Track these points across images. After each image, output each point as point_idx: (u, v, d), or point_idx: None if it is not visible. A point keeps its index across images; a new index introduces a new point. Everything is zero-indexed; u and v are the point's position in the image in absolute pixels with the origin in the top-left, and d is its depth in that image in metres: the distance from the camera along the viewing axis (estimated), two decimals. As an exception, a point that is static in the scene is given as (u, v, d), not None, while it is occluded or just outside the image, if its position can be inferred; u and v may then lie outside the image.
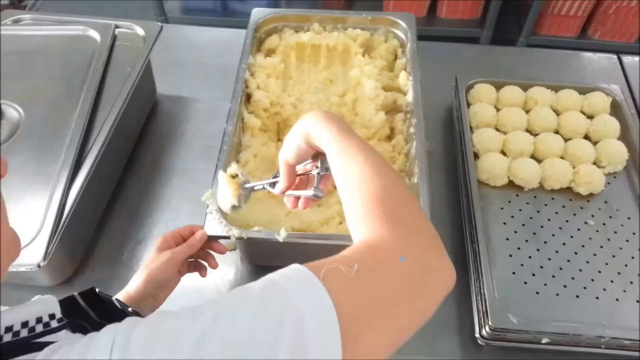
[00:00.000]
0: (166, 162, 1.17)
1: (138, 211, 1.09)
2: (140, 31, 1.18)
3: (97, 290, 0.66)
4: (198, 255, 0.87)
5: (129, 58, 1.13)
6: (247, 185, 0.81)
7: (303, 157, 0.70)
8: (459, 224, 1.05)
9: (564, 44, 2.44)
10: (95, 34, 1.17)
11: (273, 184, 0.78)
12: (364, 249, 0.51)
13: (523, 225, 1.00)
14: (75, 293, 0.64)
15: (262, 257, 0.99)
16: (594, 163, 1.08)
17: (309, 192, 0.72)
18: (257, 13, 1.19)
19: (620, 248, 0.97)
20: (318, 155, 0.71)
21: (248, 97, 1.09)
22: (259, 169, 1.04)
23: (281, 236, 0.84)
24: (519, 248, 0.96)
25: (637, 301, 0.91)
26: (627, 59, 1.39)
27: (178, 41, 1.45)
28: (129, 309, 0.71)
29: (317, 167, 0.72)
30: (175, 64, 1.38)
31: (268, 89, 1.10)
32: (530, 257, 0.95)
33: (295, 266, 0.47)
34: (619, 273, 0.94)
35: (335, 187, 1.07)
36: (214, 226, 0.85)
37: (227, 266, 1.01)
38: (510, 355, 0.90)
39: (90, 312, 0.63)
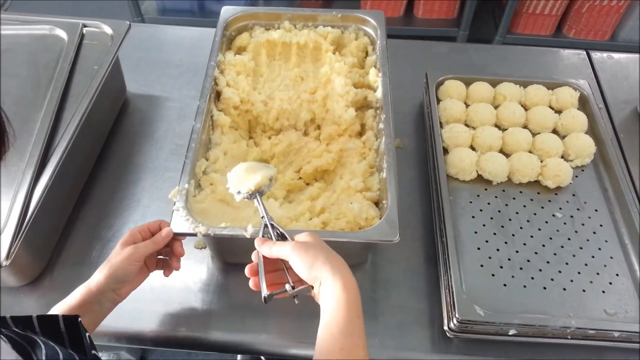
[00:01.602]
0: (136, 160, 1.16)
1: (107, 210, 1.08)
2: (108, 30, 1.16)
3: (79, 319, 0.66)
4: (164, 253, 0.86)
5: (96, 57, 1.12)
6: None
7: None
8: (430, 218, 1.06)
9: (540, 42, 2.48)
10: (62, 33, 1.15)
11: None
12: None
13: (491, 218, 1.00)
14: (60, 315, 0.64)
15: (232, 255, 0.98)
16: (562, 157, 1.09)
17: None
18: (227, 11, 1.19)
19: (588, 240, 0.98)
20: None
21: (218, 95, 1.09)
22: (229, 166, 1.03)
23: (248, 232, 0.83)
24: (487, 241, 0.97)
25: (603, 292, 0.92)
26: (596, 55, 1.41)
27: (150, 40, 1.44)
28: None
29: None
30: (146, 62, 1.37)
31: (238, 87, 1.10)
32: (498, 249, 0.96)
33: None
34: (585, 264, 0.95)
35: (306, 184, 1.07)
36: (180, 223, 0.84)
37: (197, 265, 1.00)
38: (480, 347, 0.90)
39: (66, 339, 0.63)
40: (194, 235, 0.84)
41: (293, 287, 0.73)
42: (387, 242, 0.85)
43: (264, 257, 0.76)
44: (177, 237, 0.86)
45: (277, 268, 0.77)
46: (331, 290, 0.68)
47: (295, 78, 1.17)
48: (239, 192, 0.83)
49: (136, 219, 1.06)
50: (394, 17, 2.59)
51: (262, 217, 0.80)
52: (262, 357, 1.49)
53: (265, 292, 0.73)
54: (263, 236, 0.78)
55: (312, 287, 0.72)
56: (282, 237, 0.78)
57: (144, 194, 1.10)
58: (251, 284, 0.77)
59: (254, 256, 0.78)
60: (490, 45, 1.48)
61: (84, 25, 1.18)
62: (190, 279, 0.98)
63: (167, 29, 1.52)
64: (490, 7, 2.63)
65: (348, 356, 0.63)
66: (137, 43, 1.40)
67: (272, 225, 0.79)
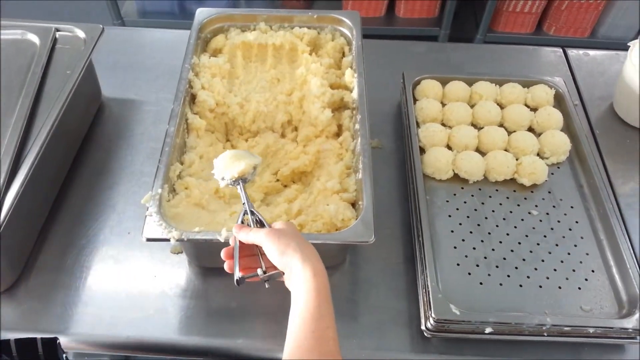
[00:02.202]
0: (112, 165, 1.14)
1: (83, 216, 1.06)
2: (81, 34, 1.15)
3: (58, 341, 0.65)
4: None
5: (69, 61, 1.10)
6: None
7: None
8: (408, 218, 1.06)
9: (520, 40, 2.50)
10: (34, 38, 1.14)
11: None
12: None
13: (468, 217, 1.01)
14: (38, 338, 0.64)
15: (209, 259, 0.97)
16: (538, 154, 1.09)
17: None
18: (201, 13, 1.18)
19: (563, 237, 0.99)
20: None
21: (193, 98, 1.08)
22: (205, 170, 1.03)
23: (222, 236, 0.83)
24: (463, 240, 0.97)
25: (579, 288, 0.92)
26: (572, 52, 1.42)
27: (126, 43, 1.43)
28: None
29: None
30: (122, 66, 1.36)
31: (213, 89, 1.09)
32: (474, 248, 0.96)
33: None
34: (561, 261, 0.95)
35: (284, 186, 1.06)
36: (153, 229, 0.83)
37: (174, 270, 0.99)
38: (457, 346, 0.90)
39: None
40: (167, 240, 0.83)
41: (265, 272, 0.76)
42: (363, 243, 0.85)
43: (240, 242, 0.78)
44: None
45: (253, 253, 0.79)
46: (301, 277, 0.69)
47: (271, 80, 1.17)
48: (223, 178, 0.86)
49: (112, 224, 1.05)
50: (375, 17, 2.59)
51: (243, 204, 0.82)
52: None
53: (237, 274, 0.75)
54: (242, 222, 0.80)
55: (283, 273, 0.74)
56: (260, 224, 0.80)
57: (119, 199, 1.09)
58: (226, 266, 0.79)
59: (231, 240, 0.80)
60: (468, 44, 1.48)
61: (57, 30, 1.16)
62: (167, 285, 0.97)
63: (143, 32, 1.51)
64: (471, 6, 2.64)
65: (320, 339, 0.65)
66: (113, 46, 1.39)
67: (252, 212, 0.81)
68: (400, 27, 2.58)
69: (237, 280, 0.75)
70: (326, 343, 0.65)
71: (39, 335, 0.90)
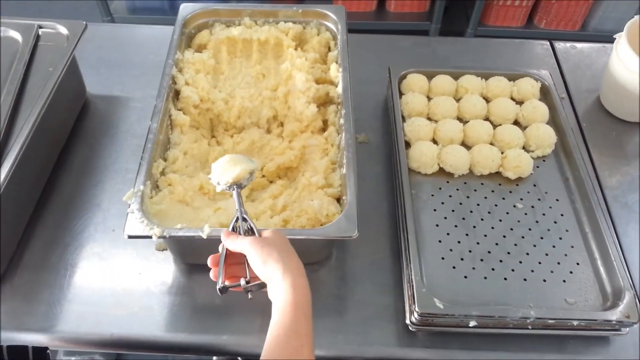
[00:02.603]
0: (97, 162, 1.14)
1: (67, 214, 1.06)
2: (64, 30, 1.14)
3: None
4: None
5: (52, 58, 1.09)
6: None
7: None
8: (394, 212, 1.05)
9: (511, 34, 2.50)
10: (17, 35, 1.13)
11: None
12: None
13: (453, 211, 1.00)
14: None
15: (193, 256, 0.97)
16: (524, 147, 1.09)
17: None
18: (185, 8, 1.18)
19: (548, 230, 0.99)
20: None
21: (177, 94, 1.07)
22: (190, 166, 1.03)
23: (205, 233, 0.82)
24: (448, 234, 0.97)
25: (564, 281, 0.92)
26: (559, 45, 1.41)
27: (112, 40, 1.41)
28: None
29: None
30: (108, 63, 1.35)
31: (197, 85, 1.08)
32: (459, 242, 0.96)
33: None
34: (546, 254, 0.95)
35: (270, 182, 1.06)
36: (134, 226, 0.83)
37: (159, 267, 0.99)
38: (443, 340, 0.90)
39: None
40: (149, 237, 0.82)
41: (247, 282, 0.75)
42: (346, 238, 0.85)
43: (228, 250, 0.77)
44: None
45: (240, 262, 0.78)
46: (280, 290, 0.68)
47: (256, 75, 1.16)
48: (218, 183, 0.84)
49: (97, 222, 1.04)
50: (366, 11, 2.58)
51: (236, 210, 0.81)
52: (239, 358, 1.49)
53: (220, 283, 0.75)
54: (234, 229, 0.79)
55: (266, 285, 0.72)
56: (251, 232, 0.79)
57: (104, 197, 1.08)
58: (211, 274, 0.79)
59: (220, 247, 0.79)
60: (455, 38, 1.48)
61: (40, 27, 1.15)
62: (152, 282, 0.97)
63: (129, 28, 1.50)
64: (462, 0, 2.63)
65: (292, 356, 0.63)
66: (98, 43, 1.38)
67: (244, 218, 0.80)
68: (391, 22, 2.57)
69: (219, 289, 0.74)
70: None
71: (24, 335, 0.90)
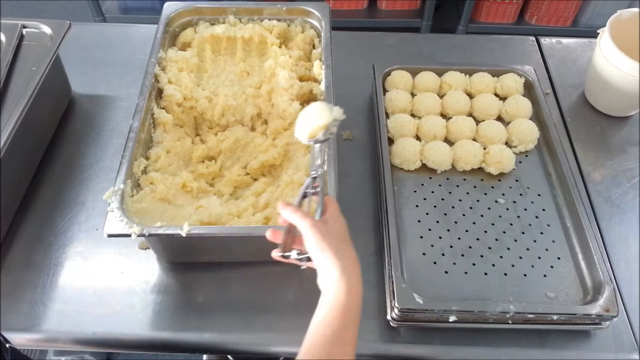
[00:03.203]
0: (81, 162, 1.14)
1: (52, 213, 1.06)
2: (47, 30, 1.14)
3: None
4: None
5: (36, 58, 1.10)
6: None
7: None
8: (379, 209, 1.05)
9: (502, 30, 2.50)
10: (0, 35, 1.13)
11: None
12: None
13: (435, 206, 1.01)
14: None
15: (175, 254, 0.97)
16: (506, 143, 1.09)
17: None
18: (169, 7, 1.18)
19: (530, 224, 0.99)
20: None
21: (160, 93, 1.08)
22: (173, 164, 1.03)
23: (184, 231, 0.82)
24: (429, 229, 0.97)
25: (544, 275, 0.93)
26: (545, 41, 1.42)
27: (98, 39, 1.41)
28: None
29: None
30: (94, 62, 1.35)
31: (180, 83, 1.08)
32: (440, 237, 0.96)
33: None
34: (527, 249, 0.96)
35: (255, 180, 1.06)
36: (114, 224, 0.83)
37: (142, 265, 0.99)
38: (424, 335, 0.91)
39: None
40: (129, 236, 0.82)
41: (299, 255, 0.75)
42: (326, 235, 0.85)
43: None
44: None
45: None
46: (333, 288, 0.66)
47: (240, 73, 1.16)
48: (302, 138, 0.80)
49: (80, 221, 1.05)
50: (358, 9, 2.58)
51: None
52: (230, 357, 1.49)
53: (277, 252, 0.75)
54: (307, 187, 0.78)
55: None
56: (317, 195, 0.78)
57: (88, 196, 1.08)
58: (268, 233, 0.77)
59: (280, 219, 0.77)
60: (441, 34, 1.47)
61: (24, 26, 1.15)
62: (134, 280, 0.97)
63: (115, 28, 1.50)
64: (453, -3, 2.64)
65: None
66: (84, 42, 1.38)
67: (314, 178, 0.78)
68: (382, 20, 2.57)
69: (279, 255, 0.75)
70: None
71: (6, 334, 0.90)
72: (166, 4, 1.18)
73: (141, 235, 0.83)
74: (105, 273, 0.98)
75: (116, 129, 1.20)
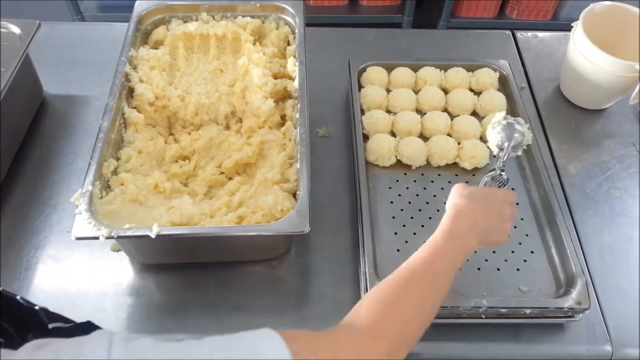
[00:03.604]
0: (54, 163, 1.12)
1: (23, 215, 1.04)
2: (16, 30, 1.12)
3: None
4: None
5: (5, 58, 1.08)
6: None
7: None
8: (354, 206, 1.05)
9: (483, 25, 2.50)
10: (-33, 35, 1.11)
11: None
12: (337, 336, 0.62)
13: (409, 202, 1.00)
14: None
15: (147, 256, 0.96)
16: (481, 138, 1.09)
17: None
18: (140, 5, 1.16)
19: (504, 219, 0.99)
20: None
21: (131, 92, 1.06)
22: (145, 165, 1.01)
23: (153, 232, 0.81)
24: (404, 225, 0.97)
25: (518, 269, 0.93)
26: (521, 35, 1.42)
27: (71, 39, 1.40)
28: (36, 307, 0.67)
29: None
30: (67, 62, 1.33)
31: (152, 82, 1.07)
32: (414, 233, 0.96)
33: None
34: (501, 243, 0.95)
35: (230, 179, 1.05)
36: (82, 227, 0.82)
37: (114, 268, 0.98)
38: (399, 332, 0.90)
39: None
40: (97, 238, 0.81)
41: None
42: (298, 234, 0.84)
43: None
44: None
45: None
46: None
47: (214, 71, 1.15)
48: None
49: (52, 223, 1.03)
50: (339, 5, 2.57)
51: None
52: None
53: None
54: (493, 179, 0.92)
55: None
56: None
57: (60, 198, 1.07)
58: None
59: None
60: (419, 30, 1.47)
61: (-8, 26, 1.13)
62: (106, 283, 0.96)
63: (88, 26, 1.49)
64: (434, -8, 2.63)
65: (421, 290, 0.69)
66: (57, 42, 1.36)
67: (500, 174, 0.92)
68: (364, 15, 2.56)
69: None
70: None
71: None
72: (137, 2, 1.17)
73: (110, 237, 0.81)
74: (77, 276, 0.97)
75: (89, 129, 1.18)
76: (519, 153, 0.93)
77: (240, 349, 0.50)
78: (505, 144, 0.90)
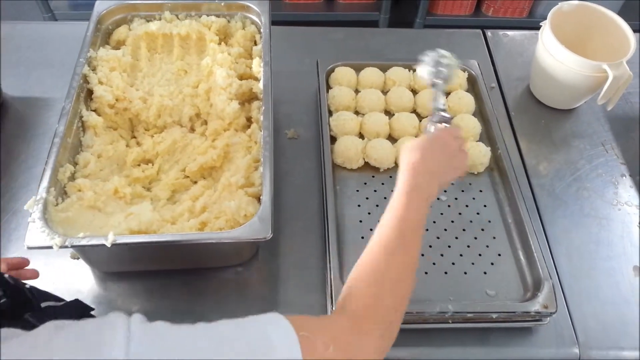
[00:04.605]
0: (13, 167, 1.09)
1: (-21, 223, 1.01)
2: (-29, 30, 1.08)
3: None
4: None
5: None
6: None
7: None
8: (322, 209, 1.03)
9: (459, 22, 2.50)
10: None
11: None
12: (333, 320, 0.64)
13: (377, 206, 0.99)
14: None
15: (106, 264, 0.93)
16: (450, 139, 1.08)
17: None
18: (101, 4, 1.13)
19: (471, 221, 0.98)
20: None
21: (90, 94, 1.03)
22: (104, 169, 0.98)
23: (109, 241, 0.79)
24: (371, 229, 0.96)
25: (485, 273, 0.92)
26: (491, 34, 1.41)
27: (33, 39, 1.35)
28: (27, 286, 0.68)
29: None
30: (27, 63, 1.29)
31: (112, 84, 1.04)
32: (381, 238, 0.94)
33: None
34: (468, 246, 0.95)
35: (195, 183, 1.03)
36: (35, 236, 0.79)
37: (74, 276, 0.95)
38: (366, 338, 0.89)
39: None
40: (50, 247, 0.78)
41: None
42: (260, 240, 0.82)
43: None
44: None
45: None
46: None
47: (177, 72, 1.12)
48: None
49: (10, 230, 1.00)
50: (315, 2, 2.55)
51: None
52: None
53: None
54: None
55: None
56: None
57: (19, 204, 1.03)
58: None
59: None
60: (388, 29, 1.47)
61: (-54, 27, 1.09)
62: (66, 292, 0.92)
63: (50, 26, 1.45)
64: (411, -11, 2.62)
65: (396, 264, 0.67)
66: (17, 43, 1.32)
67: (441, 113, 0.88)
68: (340, 13, 2.55)
69: None
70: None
71: None
72: (97, 2, 1.13)
73: (63, 246, 0.79)
74: (35, 284, 0.93)
75: (49, 132, 1.14)
76: (453, 83, 0.95)
77: (252, 333, 0.52)
78: (436, 81, 0.90)
